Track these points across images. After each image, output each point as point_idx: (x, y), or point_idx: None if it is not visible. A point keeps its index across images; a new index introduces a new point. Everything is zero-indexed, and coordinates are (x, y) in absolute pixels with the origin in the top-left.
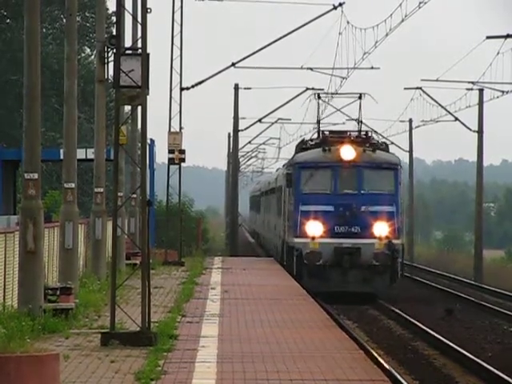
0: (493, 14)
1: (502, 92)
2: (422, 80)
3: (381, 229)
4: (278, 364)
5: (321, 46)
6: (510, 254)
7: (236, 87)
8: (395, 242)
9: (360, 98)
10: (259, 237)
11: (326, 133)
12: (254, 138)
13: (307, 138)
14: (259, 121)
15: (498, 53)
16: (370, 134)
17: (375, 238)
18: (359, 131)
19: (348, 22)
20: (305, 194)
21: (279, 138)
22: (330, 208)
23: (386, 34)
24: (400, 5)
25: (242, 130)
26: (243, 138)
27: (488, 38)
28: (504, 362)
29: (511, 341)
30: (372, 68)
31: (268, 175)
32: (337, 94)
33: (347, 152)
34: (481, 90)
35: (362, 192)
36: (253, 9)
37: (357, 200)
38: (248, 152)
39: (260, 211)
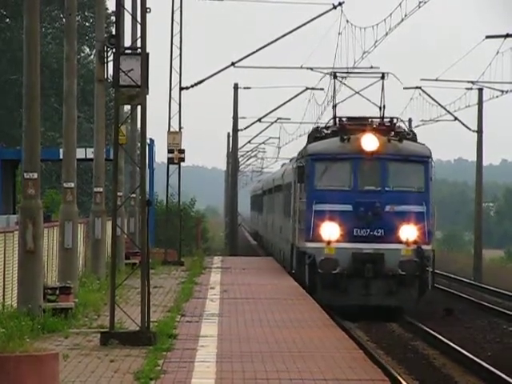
0: (493, 13)
1: (502, 91)
2: (422, 79)
3: (408, 232)
4: (278, 363)
5: (320, 46)
6: (510, 254)
7: (235, 87)
8: (425, 247)
9: (383, 77)
10: (262, 239)
11: (344, 119)
12: (254, 137)
13: (322, 125)
14: (259, 120)
15: (497, 52)
16: (395, 121)
17: (401, 242)
18: (382, 117)
19: (347, 22)
20: (319, 191)
21: (279, 138)
22: (349, 207)
23: (386, 34)
24: (400, 4)
25: (241, 130)
26: (243, 138)
27: (487, 37)
28: (503, 361)
29: (511, 340)
30: (372, 68)
31: (272, 172)
32: (354, 72)
33: (369, 142)
34: (480, 90)
35: (387, 189)
36: (253, 8)
37: (380, 198)
38: (247, 151)
39: (263, 211)
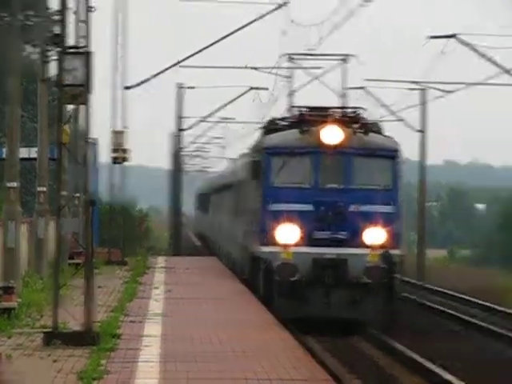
0: (439, 12)
1: (445, 92)
2: (366, 80)
3: (375, 235)
4: (221, 363)
5: (265, 45)
6: (452, 254)
7: (180, 86)
8: (393, 252)
9: (344, 60)
10: (208, 241)
11: (304, 109)
12: (198, 137)
13: (278, 115)
14: (203, 120)
15: (441, 52)
16: (359, 112)
17: (367, 247)
18: (345, 107)
19: (292, 21)
20: (276, 189)
21: (223, 138)
22: (309, 207)
23: (330, 32)
24: (344, 2)
25: (185, 130)
26: (187, 137)
27: (432, 37)
28: (446, 361)
29: (453, 340)
30: (318, 68)
31: (218, 170)
32: (313, 55)
33: (332, 134)
34: (423, 90)
35: (351, 187)
36: (197, 7)
37: (344, 197)
38: (192, 151)
39: (209, 211)
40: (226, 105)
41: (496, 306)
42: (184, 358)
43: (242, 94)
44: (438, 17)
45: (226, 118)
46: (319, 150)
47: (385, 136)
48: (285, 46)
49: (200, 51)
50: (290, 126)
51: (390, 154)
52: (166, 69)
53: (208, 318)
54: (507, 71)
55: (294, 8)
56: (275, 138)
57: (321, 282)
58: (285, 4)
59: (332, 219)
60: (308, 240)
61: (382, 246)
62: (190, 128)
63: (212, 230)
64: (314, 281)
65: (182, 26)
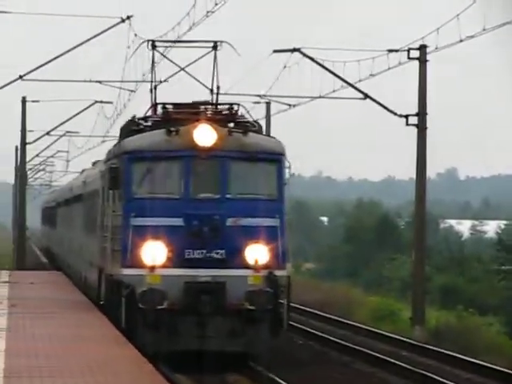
0: (282, 27)
1: (289, 105)
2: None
3: (257, 253)
4: (67, 379)
5: (109, 59)
6: (297, 267)
7: (23, 100)
8: (279, 273)
9: (215, 48)
10: (55, 258)
11: (169, 106)
12: (42, 150)
13: (140, 115)
14: (47, 134)
15: (284, 66)
16: (235, 108)
17: (249, 267)
18: (218, 104)
19: (136, 35)
20: (139, 200)
21: (67, 151)
22: (179, 221)
23: (174, 41)
24: (188, 13)
25: (29, 143)
26: (31, 151)
27: (275, 51)
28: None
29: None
30: (161, 82)
31: (68, 181)
32: (178, 41)
33: (204, 134)
34: (268, 103)
35: (228, 196)
36: (38, 21)
37: (220, 209)
38: (36, 165)
39: (56, 226)
40: (70, 118)
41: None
42: (29, 373)
43: (87, 108)
44: (280, 31)
45: (71, 132)
46: (190, 154)
47: (267, 136)
48: (129, 59)
49: (44, 65)
50: (155, 127)
51: (274, 158)
52: (9, 83)
53: (53, 333)
54: (350, 84)
55: (138, 22)
56: (137, 141)
57: (194, 309)
58: (128, 18)
59: (206, 235)
60: (179, 261)
61: (265, 267)
62: (34, 141)
63: (60, 247)
64: (187, 309)
65: (24, 39)
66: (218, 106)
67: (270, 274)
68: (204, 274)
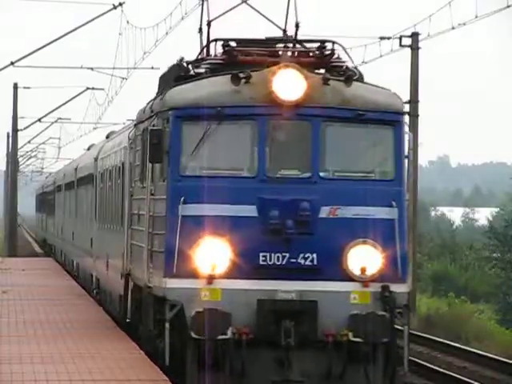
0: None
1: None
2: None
3: (366, 259)
4: (58, 365)
5: (101, 46)
6: None
7: (15, 86)
8: (397, 288)
9: None
10: (54, 250)
11: (232, 44)
12: (34, 137)
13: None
14: (39, 120)
15: None
16: (330, 47)
17: (352, 279)
18: (306, 40)
19: (128, 22)
20: (191, 179)
21: (59, 138)
22: (251, 210)
23: (166, 33)
24: (180, 3)
25: (21, 130)
26: (23, 138)
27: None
28: None
29: None
30: (152, 68)
31: (71, 161)
32: None
33: (289, 82)
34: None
35: (323, 175)
36: (31, 6)
37: (311, 193)
38: (27, 152)
39: (55, 214)
40: (62, 105)
41: None
42: (20, 360)
43: (78, 95)
44: None
45: (62, 119)
46: (267, 112)
47: (378, 87)
48: (121, 46)
49: (35, 51)
50: (213, 72)
51: (392, 118)
52: (1, 69)
53: (45, 319)
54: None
55: (130, 9)
56: (189, 91)
57: (272, 341)
58: (120, 5)
59: (291, 232)
60: (249, 268)
61: (377, 279)
62: (25, 128)
63: (61, 240)
64: (261, 339)
65: (16, 25)
66: (305, 44)
67: (384, 290)
68: (287, 288)
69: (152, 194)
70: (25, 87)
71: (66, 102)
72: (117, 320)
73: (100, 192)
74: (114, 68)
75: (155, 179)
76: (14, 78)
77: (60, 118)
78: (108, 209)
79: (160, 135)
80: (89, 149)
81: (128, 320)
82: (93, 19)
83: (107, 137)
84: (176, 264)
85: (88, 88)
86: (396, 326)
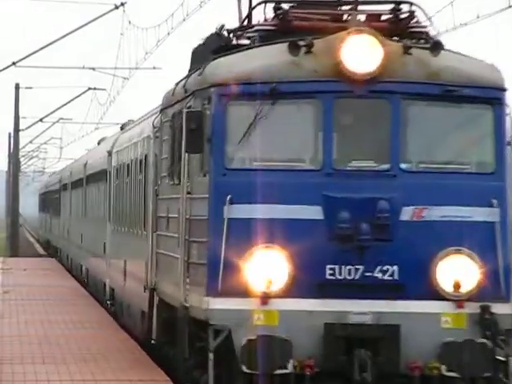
0: None
1: None
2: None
3: (460, 272)
4: (59, 365)
5: (103, 46)
6: None
7: (17, 86)
8: (499, 309)
9: None
10: (60, 254)
11: (286, 6)
12: (36, 137)
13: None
14: (40, 120)
15: None
16: (408, 9)
17: (443, 297)
18: (372, 2)
19: (130, 22)
20: (240, 173)
21: (61, 138)
22: (315, 212)
23: (168, 33)
24: (182, 4)
25: (23, 130)
26: (24, 138)
27: None
28: None
29: None
30: (154, 68)
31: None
32: None
33: (362, 52)
34: None
35: (405, 167)
36: (32, 6)
37: (391, 190)
38: (29, 152)
39: (60, 214)
40: (63, 105)
41: None
42: (21, 360)
43: (80, 95)
44: None
45: (64, 119)
46: (335, 88)
47: (471, 58)
48: (123, 46)
49: (37, 51)
50: (266, 40)
51: (491, 96)
52: (2, 69)
53: (46, 319)
54: None
55: (132, 9)
56: (236, 64)
57: (343, 375)
58: (122, 5)
59: (365, 239)
60: (314, 285)
61: (475, 297)
62: (27, 128)
63: (67, 242)
64: (329, 374)
65: (18, 26)
66: (380, 4)
67: (483, 311)
68: (361, 309)
69: (188, 193)
70: (26, 87)
71: (68, 102)
72: (140, 342)
73: (115, 190)
74: (115, 68)
75: (193, 174)
76: (15, 78)
77: (62, 118)
78: (126, 209)
79: (199, 119)
80: (99, 143)
81: (153, 342)
82: (94, 19)
83: (122, 128)
84: (221, 279)
85: (90, 88)
86: (498, 357)
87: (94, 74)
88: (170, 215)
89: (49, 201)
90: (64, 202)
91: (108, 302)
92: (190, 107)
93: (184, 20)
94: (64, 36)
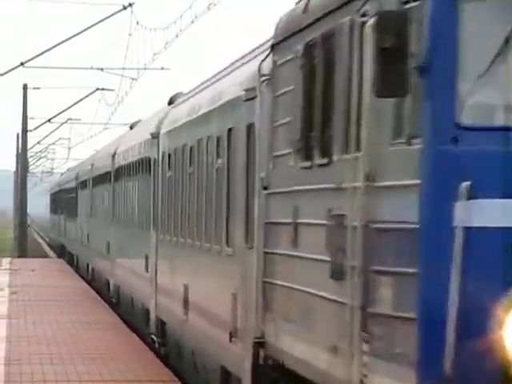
0: None
1: None
2: None
3: None
4: (67, 366)
5: (111, 47)
6: None
7: (25, 87)
8: None
9: None
10: (77, 261)
11: None
12: (44, 138)
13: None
14: (49, 121)
15: None
16: None
17: None
18: None
19: (138, 23)
20: (490, 135)
21: (69, 139)
22: None
23: (177, 35)
24: (190, 7)
25: (31, 131)
26: (33, 139)
27: None
28: None
29: None
30: (162, 69)
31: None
32: None
33: None
34: None
35: None
36: (40, 8)
37: None
38: (37, 152)
39: (77, 216)
40: (72, 106)
41: None
42: (29, 360)
43: (88, 95)
44: None
45: (72, 119)
46: None
47: None
48: (131, 47)
49: (45, 52)
50: None
51: None
52: (10, 70)
53: (54, 320)
54: None
55: (140, 10)
56: None
57: None
58: (130, 6)
59: None
60: None
61: None
62: (35, 129)
63: (87, 249)
64: None
65: (27, 26)
66: None
67: None
68: None
69: (368, 178)
70: (34, 88)
71: (76, 103)
72: None
73: (166, 185)
74: (123, 69)
75: (374, 141)
76: (23, 79)
77: (70, 119)
78: (186, 212)
79: (401, 27)
80: (132, 127)
81: None
82: (103, 20)
83: (170, 102)
84: (453, 353)
85: (98, 89)
86: None
87: (102, 75)
88: (300, 220)
89: (62, 201)
90: (82, 201)
91: (154, 338)
92: (366, 14)
93: (192, 22)
94: (72, 36)
